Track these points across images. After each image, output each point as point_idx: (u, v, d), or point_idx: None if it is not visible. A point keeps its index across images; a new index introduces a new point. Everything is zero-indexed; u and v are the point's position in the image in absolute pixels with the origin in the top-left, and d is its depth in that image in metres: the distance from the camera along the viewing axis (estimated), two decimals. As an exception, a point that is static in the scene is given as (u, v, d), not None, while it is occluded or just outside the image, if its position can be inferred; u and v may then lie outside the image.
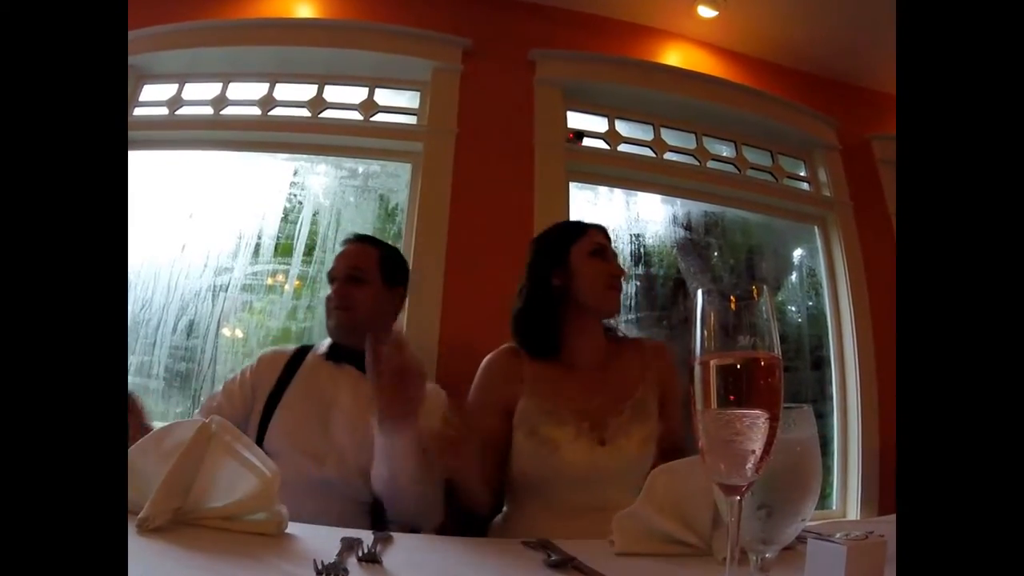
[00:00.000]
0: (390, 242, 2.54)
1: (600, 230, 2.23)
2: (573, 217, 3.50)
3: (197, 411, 2.17)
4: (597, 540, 1.36)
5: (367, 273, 2.28)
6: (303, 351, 2.29)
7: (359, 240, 2.41)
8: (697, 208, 4.03)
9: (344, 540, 1.18)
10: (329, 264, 2.35)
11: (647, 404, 2.07)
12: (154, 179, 3.40)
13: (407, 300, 2.49)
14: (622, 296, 2.15)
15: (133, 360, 3.15)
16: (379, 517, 1.96)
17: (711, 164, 4.02)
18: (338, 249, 2.35)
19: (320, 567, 1.00)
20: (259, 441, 2.02)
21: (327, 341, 2.30)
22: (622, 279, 2.15)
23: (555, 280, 2.14)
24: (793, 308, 4.19)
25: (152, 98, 3.59)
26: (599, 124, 3.92)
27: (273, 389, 2.16)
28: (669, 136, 3.99)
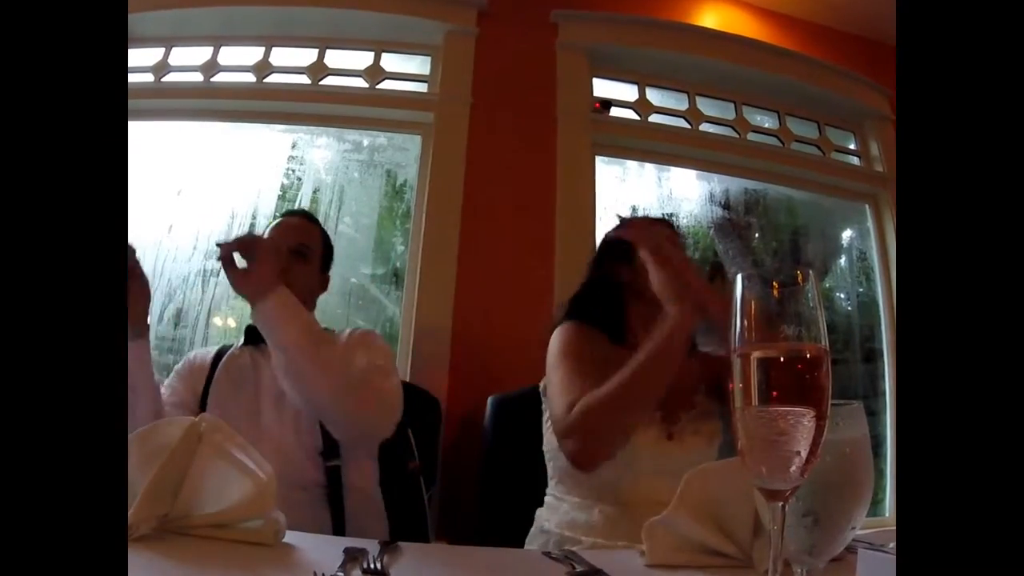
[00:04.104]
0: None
1: (667, 224, 2.34)
2: (599, 194, 3.52)
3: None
4: (626, 551, 1.36)
5: (311, 252, 2.31)
6: (223, 351, 2.31)
7: (306, 216, 2.45)
8: (736, 185, 4.01)
9: (347, 550, 1.17)
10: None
11: (711, 403, 2.11)
12: (139, 152, 3.38)
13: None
14: None
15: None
16: (338, 506, 2.00)
17: (752, 136, 4.01)
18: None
19: (321, 579, 1.00)
20: None
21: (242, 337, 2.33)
22: None
23: (623, 274, 2.21)
24: (842, 295, 4.17)
25: (136, 63, 3.59)
26: (628, 92, 3.90)
27: (203, 393, 2.17)
28: (705, 105, 3.98)
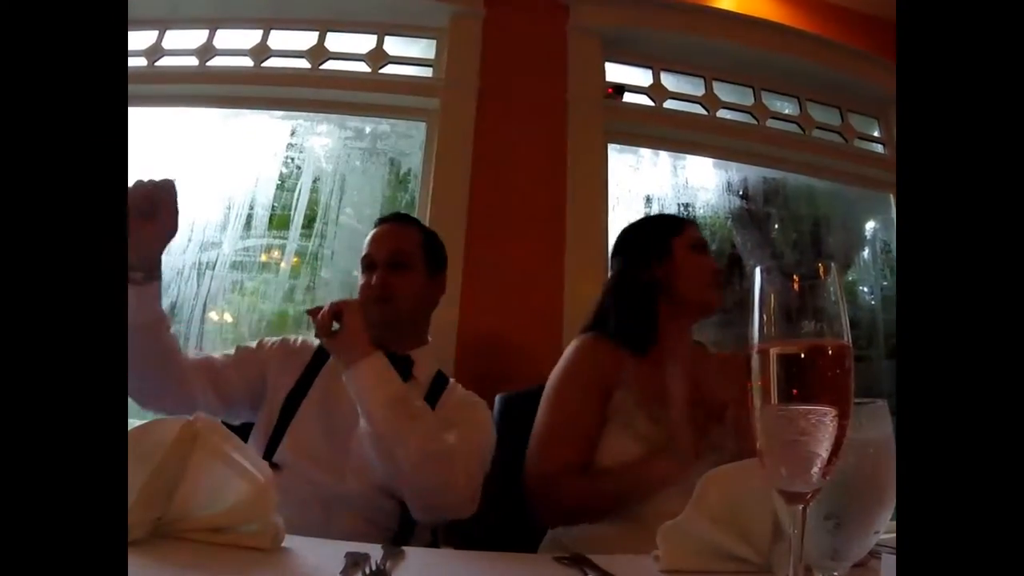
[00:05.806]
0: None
1: (697, 227, 2.32)
2: (612, 184, 3.51)
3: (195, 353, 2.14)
4: (639, 555, 1.36)
5: (411, 258, 2.25)
6: (325, 353, 2.23)
7: (399, 220, 2.38)
8: (755, 174, 4.01)
9: (349, 555, 1.16)
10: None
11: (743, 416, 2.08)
12: (132, 139, 3.33)
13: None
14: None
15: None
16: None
17: (771, 123, 4.00)
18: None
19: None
20: (270, 451, 2.02)
21: None
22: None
23: (657, 272, 2.19)
24: (865, 289, 4.16)
25: (130, 47, 3.56)
26: (642, 77, 3.90)
27: (290, 394, 2.13)
28: (722, 91, 3.97)
